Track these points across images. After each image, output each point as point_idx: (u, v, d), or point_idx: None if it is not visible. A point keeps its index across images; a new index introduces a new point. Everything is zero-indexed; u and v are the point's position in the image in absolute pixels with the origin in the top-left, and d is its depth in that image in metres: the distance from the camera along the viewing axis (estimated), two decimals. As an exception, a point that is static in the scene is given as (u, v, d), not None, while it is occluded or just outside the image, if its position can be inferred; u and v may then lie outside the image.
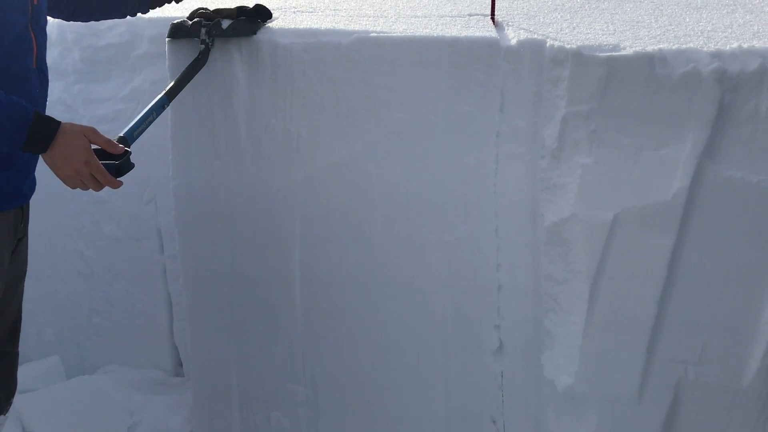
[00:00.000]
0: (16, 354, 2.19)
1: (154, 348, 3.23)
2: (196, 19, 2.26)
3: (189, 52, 2.27)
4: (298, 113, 2.31)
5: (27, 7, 1.89)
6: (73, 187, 1.78)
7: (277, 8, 2.73)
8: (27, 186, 2.02)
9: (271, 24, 2.41)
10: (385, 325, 2.39)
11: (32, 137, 1.70)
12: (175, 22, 2.28)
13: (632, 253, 2.08)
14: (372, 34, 2.25)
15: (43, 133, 1.71)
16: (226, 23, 2.23)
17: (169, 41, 2.30)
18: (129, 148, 1.83)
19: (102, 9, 2.36)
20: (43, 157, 1.75)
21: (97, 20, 2.41)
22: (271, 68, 2.29)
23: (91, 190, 1.79)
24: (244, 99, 2.34)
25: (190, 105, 2.33)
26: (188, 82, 2.16)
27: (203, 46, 2.22)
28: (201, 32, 2.22)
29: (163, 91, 2.06)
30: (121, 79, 3.16)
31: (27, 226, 2.12)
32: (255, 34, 2.28)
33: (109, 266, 3.20)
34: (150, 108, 1.96)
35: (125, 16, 2.39)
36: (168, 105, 2.05)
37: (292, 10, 2.73)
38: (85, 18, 2.39)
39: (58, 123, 1.74)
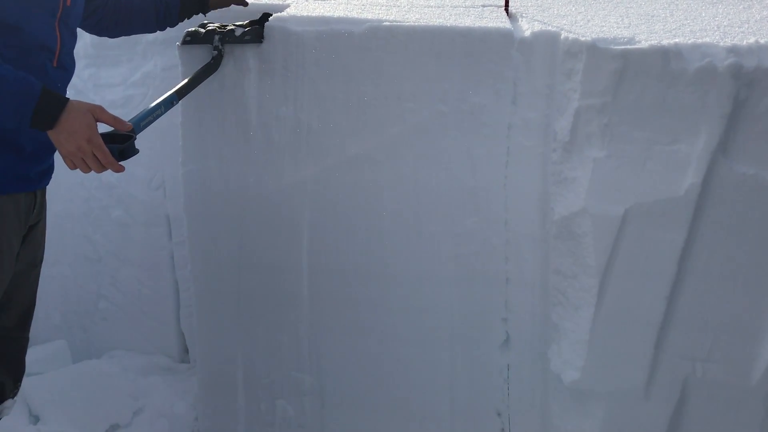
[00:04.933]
0: (26, 339, 2.19)
1: (161, 334, 3.23)
2: (210, 27, 2.31)
3: (202, 58, 2.29)
4: (308, 102, 2.31)
5: (56, 6, 1.89)
6: (73, 167, 1.76)
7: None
8: (36, 173, 2.00)
9: (284, 11, 2.40)
10: (392, 316, 2.39)
11: (39, 112, 1.69)
12: (189, 30, 2.31)
13: (642, 248, 2.06)
14: (385, 23, 2.24)
15: (50, 108, 1.70)
16: (239, 31, 2.27)
17: (182, 47, 2.32)
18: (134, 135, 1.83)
19: (133, 25, 2.33)
20: (49, 135, 1.74)
21: (128, 35, 2.39)
22: (283, 56, 2.29)
23: (98, 174, 1.78)
24: (255, 87, 2.33)
25: (201, 92, 2.33)
26: (199, 84, 2.19)
27: (216, 52, 2.26)
28: (214, 39, 2.26)
29: (173, 89, 2.07)
30: (132, 64, 3.16)
31: (42, 213, 2.11)
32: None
33: (117, 251, 3.21)
34: (159, 102, 1.98)
35: (155, 31, 2.37)
36: (177, 102, 2.07)
37: (305, -3, 2.72)
38: (113, 34, 2.36)
39: (66, 99, 1.73)
